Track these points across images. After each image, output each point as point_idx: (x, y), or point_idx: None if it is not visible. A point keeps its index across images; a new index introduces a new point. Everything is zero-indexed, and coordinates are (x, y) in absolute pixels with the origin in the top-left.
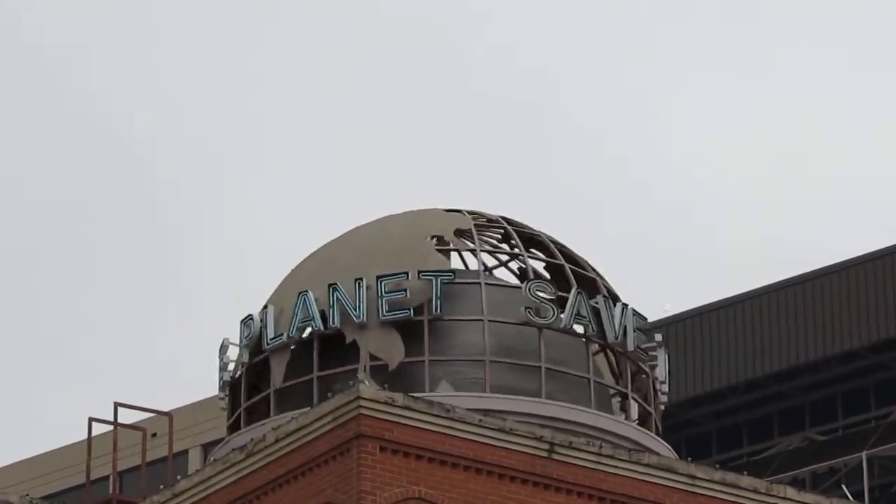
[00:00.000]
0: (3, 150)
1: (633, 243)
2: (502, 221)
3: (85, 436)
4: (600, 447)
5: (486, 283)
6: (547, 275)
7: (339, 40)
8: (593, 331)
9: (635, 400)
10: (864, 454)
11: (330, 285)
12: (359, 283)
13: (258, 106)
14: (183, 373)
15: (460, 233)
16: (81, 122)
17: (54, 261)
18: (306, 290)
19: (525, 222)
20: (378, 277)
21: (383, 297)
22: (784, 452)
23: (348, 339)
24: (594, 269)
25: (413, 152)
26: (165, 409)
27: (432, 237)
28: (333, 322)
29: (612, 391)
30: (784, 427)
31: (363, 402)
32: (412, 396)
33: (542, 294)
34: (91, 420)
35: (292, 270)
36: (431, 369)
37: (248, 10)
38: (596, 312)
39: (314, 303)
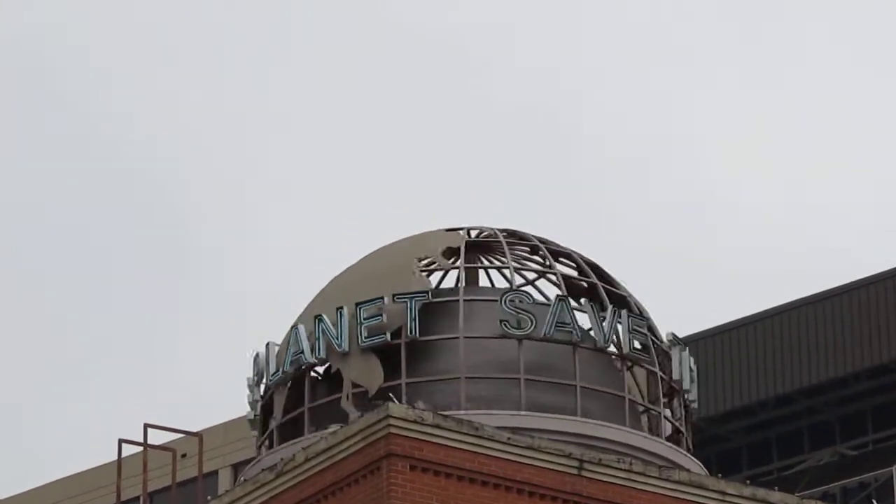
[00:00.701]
0: (23, 171)
1: (663, 258)
2: (515, 237)
3: (115, 457)
4: (630, 464)
5: (464, 300)
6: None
7: (343, 42)
8: (578, 337)
9: (649, 409)
10: (894, 469)
11: (315, 317)
12: (340, 312)
13: (281, 136)
14: (212, 393)
15: (469, 248)
16: (103, 143)
17: (81, 282)
18: (297, 325)
19: (547, 236)
20: (357, 304)
21: (362, 324)
22: (814, 467)
23: (333, 369)
24: (607, 279)
25: (420, 158)
26: (195, 429)
27: (421, 259)
28: (319, 353)
29: (640, 407)
30: (814, 442)
31: (393, 421)
32: (441, 415)
33: (520, 304)
34: (121, 441)
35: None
36: (409, 391)
37: (248, 14)
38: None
39: (304, 335)
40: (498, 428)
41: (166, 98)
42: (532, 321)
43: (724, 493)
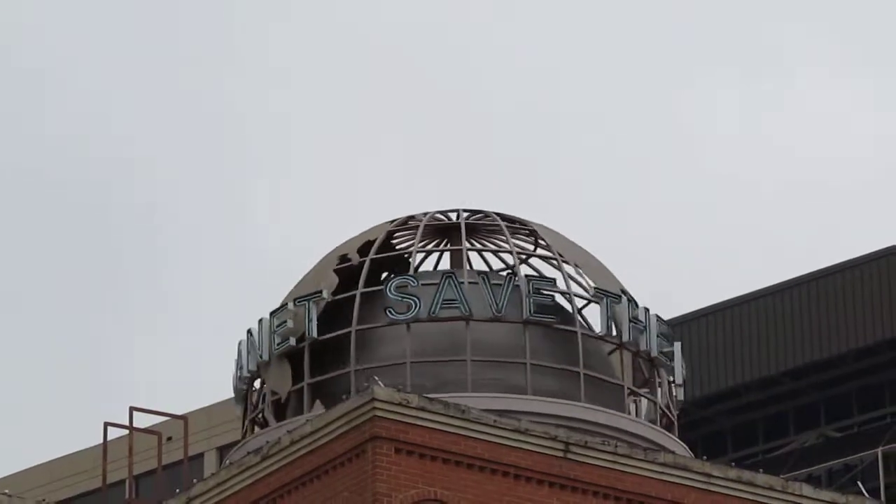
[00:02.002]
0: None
1: (647, 241)
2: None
3: (101, 440)
4: (616, 446)
5: (361, 292)
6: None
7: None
8: (467, 312)
9: (597, 379)
10: (879, 450)
11: (248, 330)
12: (261, 323)
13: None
14: (198, 376)
15: (400, 234)
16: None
17: (67, 265)
18: (242, 338)
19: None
20: (270, 314)
21: (275, 332)
22: (799, 450)
23: (260, 379)
24: (559, 257)
25: (412, 152)
26: (180, 412)
27: (340, 257)
28: (250, 366)
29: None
30: (799, 424)
31: (378, 404)
32: (427, 397)
33: (406, 289)
34: (106, 424)
35: None
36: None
37: (246, 10)
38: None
39: (244, 348)
40: (484, 411)
41: (146, 86)
42: (416, 304)
43: (709, 476)
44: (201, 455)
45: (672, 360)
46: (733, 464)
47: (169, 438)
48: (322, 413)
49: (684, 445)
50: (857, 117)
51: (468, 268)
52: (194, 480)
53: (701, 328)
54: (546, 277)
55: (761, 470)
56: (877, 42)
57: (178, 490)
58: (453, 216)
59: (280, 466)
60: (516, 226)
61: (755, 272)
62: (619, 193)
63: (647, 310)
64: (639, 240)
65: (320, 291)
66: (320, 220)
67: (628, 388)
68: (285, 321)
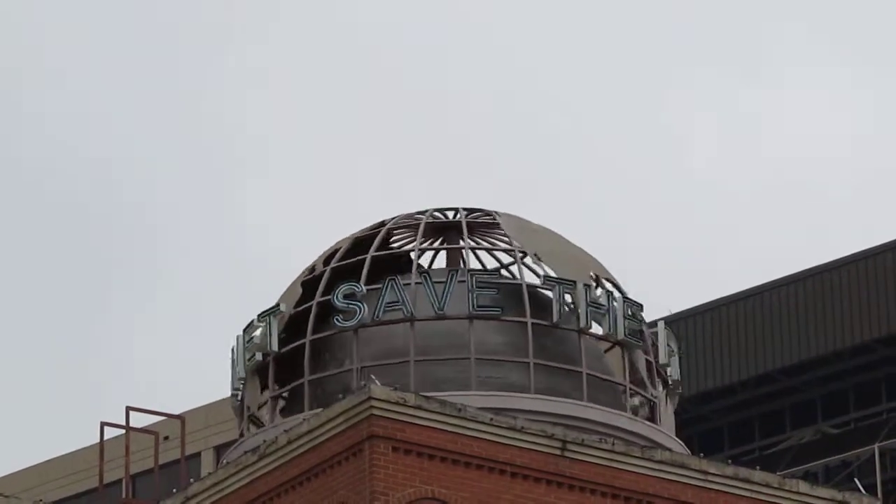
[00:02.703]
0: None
1: (644, 239)
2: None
3: (97, 440)
4: (612, 444)
5: (317, 301)
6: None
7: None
8: (409, 313)
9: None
10: (876, 447)
11: (237, 336)
12: (237, 339)
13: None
14: (194, 375)
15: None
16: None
17: (63, 265)
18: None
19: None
20: (243, 330)
21: (246, 347)
22: (796, 446)
23: (242, 394)
24: (516, 248)
25: (411, 152)
26: (177, 412)
27: (307, 268)
28: (234, 383)
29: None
30: (796, 421)
31: (375, 403)
32: (424, 396)
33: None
34: (103, 424)
35: None
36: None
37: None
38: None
39: (235, 354)
40: (480, 409)
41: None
42: (360, 310)
43: (706, 473)
44: (198, 454)
45: (641, 339)
46: (730, 461)
47: (166, 438)
48: (319, 412)
49: (681, 442)
50: (840, 116)
51: (419, 267)
52: (191, 480)
53: (697, 325)
54: (491, 271)
55: (758, 467)
56: (859, 42)
57: (175, 490)
58: (422, 216)
59: (277, 465)
60: (482, 219)
61: (751, 269)
62: (613, 193)
63: (610, 293)
64: (634, 238)
65: (278, 306)
66: (319, 218)
67: (615, 382)
68: (252, 337)
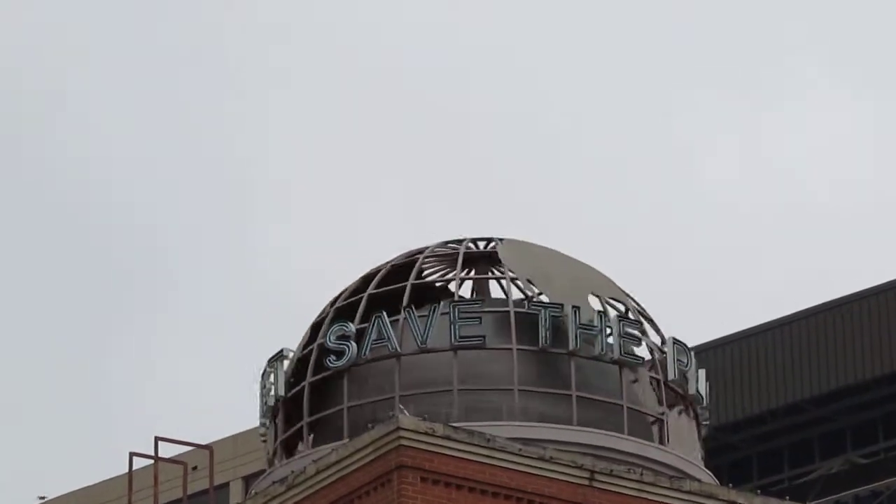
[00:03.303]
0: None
1: (673, 269)
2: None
3: (126, 470)
4: (641, 474)
5: (318, 344)
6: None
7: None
8: (395, 349)
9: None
10: None
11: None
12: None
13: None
14: (223, 405)
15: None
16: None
17: (92, 293)
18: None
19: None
20: (262, 375)
21: (263, 392)
22: (825, 476)
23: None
24: (509, 274)
25: (414, 175)
26: (206, 442)
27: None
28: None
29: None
30: (825, 451)
31: (403, 433)
32: (452, 426)
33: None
34: (132, 454)
35: None
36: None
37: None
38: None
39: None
40: (509, 439)
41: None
42: (349, 349)
43: (734, 503)
44: (227, 484)
45: (633, 357)
46: (759, 491)
47: (194, 468)
48: (347, 442)
49: (710, 473)
50: (860, 139)
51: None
52: None
53: (726, 355)
54: (473, 300)
55: (787, 497)
56: (878, 64)
57: None
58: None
59: (306, 496)
60: (480, 249)
61: (779, 299)
62: (635, 221)
63: (602, 313)
64: (662, 269)
65: (282, 351)
66: (344, 242)
67: (633, 409)
68: (265, 383)
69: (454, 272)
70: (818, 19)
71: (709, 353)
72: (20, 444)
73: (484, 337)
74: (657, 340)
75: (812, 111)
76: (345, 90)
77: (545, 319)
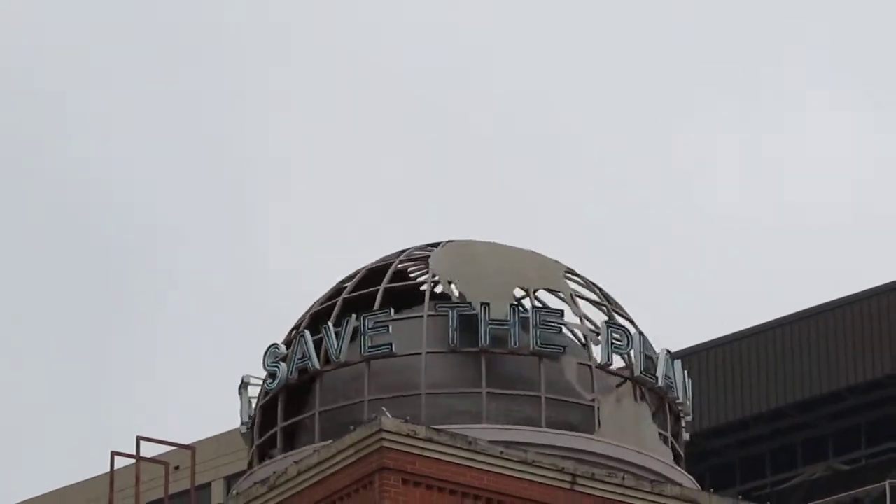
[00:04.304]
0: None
1: (655, 273)
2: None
3: (107, 469)
4: (623, 478)
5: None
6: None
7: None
8: (314, 366)
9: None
10: (887, 483)
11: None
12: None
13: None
14: (205, 406)
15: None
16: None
17: (72, 293)
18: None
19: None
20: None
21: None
22: (808, 482)
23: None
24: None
25: (411, 175)
26: (188, 442)
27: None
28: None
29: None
30: (808, 457)
31: (385, 435)
32: (434, 429)
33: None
34: (113, 454)
35: None
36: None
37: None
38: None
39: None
40: (491, 442)
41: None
42: (279, 369)
43: None
44: (209, 485)
45: (552, 347)
46: (741, 496)
47: (176, 468)
48: (329, 443)
49: (692, 478)
50: (859, 148)
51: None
52: None
53: (709, 360)
54: (379, 311)
55: (769, 503)
56: (877, 71)
57: None
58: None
59: (287, 497)
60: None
61: (763, 304)
62: (620, 226)
63: (515, 306)
64: (643, 272)
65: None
66: (330, 244)
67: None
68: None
69: (383, 284)
70: (819, 23)
71: (692, 358)
72: (0, 444)
73: (391, 345)
74: (628, 329)
75: (811, 112)
76: (344, 90)
77: (453, 320)
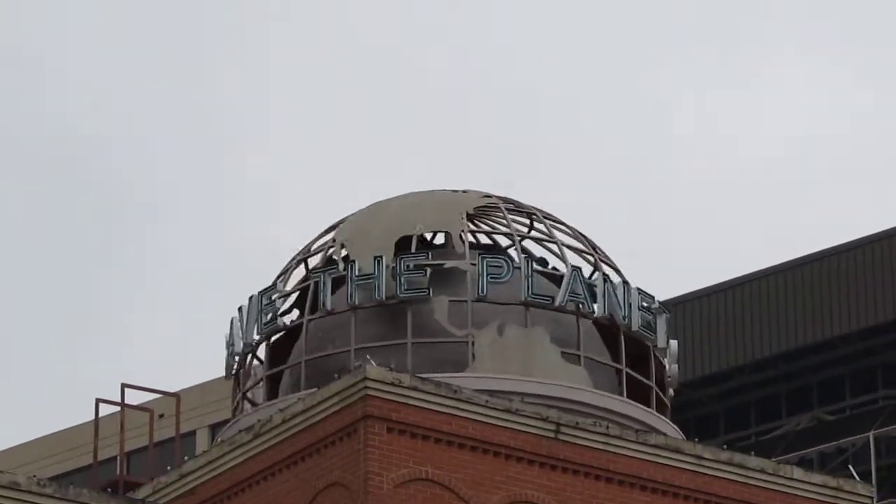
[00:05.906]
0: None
1: (640, 225)
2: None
3: (92, 417)
4: (607, 427)
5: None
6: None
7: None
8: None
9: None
10: (871, 434)
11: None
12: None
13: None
14: (190, 353)
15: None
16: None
17: (60, 242)
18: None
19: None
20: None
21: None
22: (792, 432)
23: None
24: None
25: (408, 143)
26: (173, 389)
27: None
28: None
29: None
30: (792, 407)
31: (370, 383)
32: (419, 377)
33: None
34: (98, 401)
35: None
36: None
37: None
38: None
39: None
40: (476, 391)
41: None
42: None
43: (700, 458)
44: (193, 432)
45: (417, 291)
46: (725, 446)
47: (161, 415)
48: (314, 391)
49: (676, 427)
50: (837, 96)
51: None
52: (186, 458)
53: (694, 310)
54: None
55: (753, 452)
56: (854, 22)
57: (169, 467)
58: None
59: (271, 445)
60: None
61: (748, 255)
62: (610, 182)
63: (378, 259)
64: (630, 223)
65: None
66: (314, 200)
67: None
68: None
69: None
70: None
71: (677, 309)
72: None
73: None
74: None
75: (790, 68)
76: (344, 90)
77: (323, 284)
